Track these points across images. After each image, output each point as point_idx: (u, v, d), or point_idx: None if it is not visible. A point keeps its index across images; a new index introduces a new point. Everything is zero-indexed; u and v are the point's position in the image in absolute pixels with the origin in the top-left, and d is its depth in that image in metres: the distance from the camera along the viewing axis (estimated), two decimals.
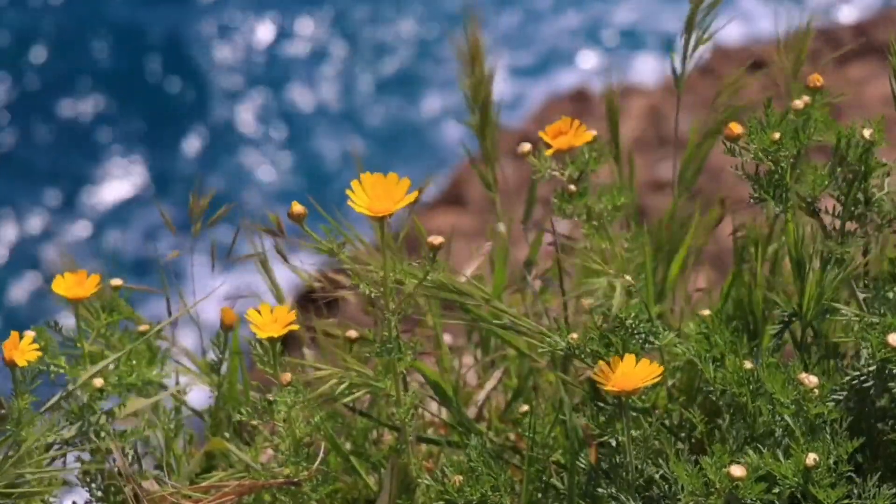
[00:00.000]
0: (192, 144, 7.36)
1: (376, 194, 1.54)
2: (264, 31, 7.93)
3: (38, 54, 7.76)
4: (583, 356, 1.63)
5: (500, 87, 2.12)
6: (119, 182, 7.21)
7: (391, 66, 7.74)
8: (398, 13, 7.97)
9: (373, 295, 1.59)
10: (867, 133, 1.66)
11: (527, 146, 1.78)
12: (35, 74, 7.65)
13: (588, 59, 7.64)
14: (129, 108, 7.49)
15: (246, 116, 7.51)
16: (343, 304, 2.11)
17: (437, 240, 1.60)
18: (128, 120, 7.47)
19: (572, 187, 1.79)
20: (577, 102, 6.33)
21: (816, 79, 1.71)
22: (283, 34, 7.94)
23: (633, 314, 1.62)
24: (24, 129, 7.37)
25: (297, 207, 1.63)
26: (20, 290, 6.68)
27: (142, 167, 7.27)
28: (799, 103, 1.69)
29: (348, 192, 1.53)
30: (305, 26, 7.96)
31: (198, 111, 7.51)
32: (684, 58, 2.01)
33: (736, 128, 1.67)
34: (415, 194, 1.54)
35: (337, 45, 7.83)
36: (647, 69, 7.27)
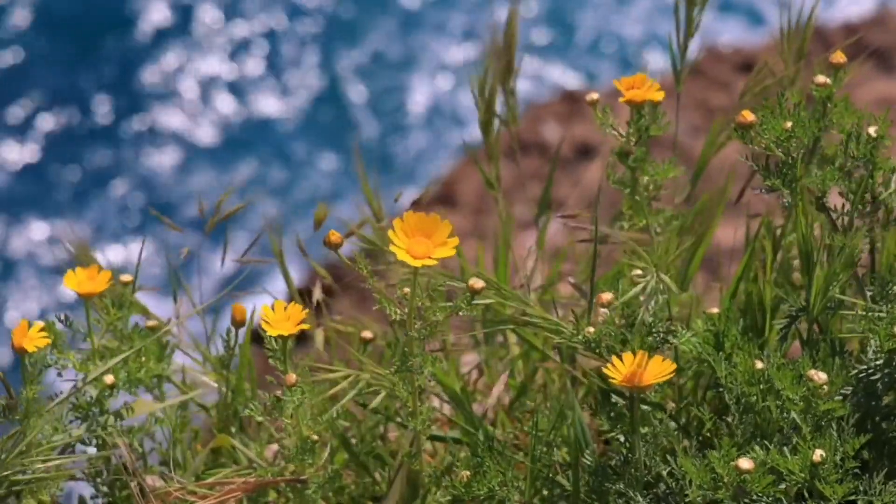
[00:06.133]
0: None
1: (416, 235, 1.55)
2: None
3: None
4: (598, 350, 1.63)
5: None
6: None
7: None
8: None
9: (397, 317, 1.60)
10: (873, 130, 1.67)
11: (595, 94, 1.78)
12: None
13: (579, 61, 7.64)
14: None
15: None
16: (339, 297, 2.11)
17: (478, 283, 1.61)
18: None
19: (632, 147, 1.79)
20: (567, 104, 6.33)
21: (839, 56, 1.70)
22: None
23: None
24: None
25: (335, 236, 1.65)
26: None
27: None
28: (821, 78, 1.68)
29: (389, 233, 1.53)
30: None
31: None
32: (682, 50, 2.01)
33: (748, 115, 1.67)
34: (456, 241, 1.54)
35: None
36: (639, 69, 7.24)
